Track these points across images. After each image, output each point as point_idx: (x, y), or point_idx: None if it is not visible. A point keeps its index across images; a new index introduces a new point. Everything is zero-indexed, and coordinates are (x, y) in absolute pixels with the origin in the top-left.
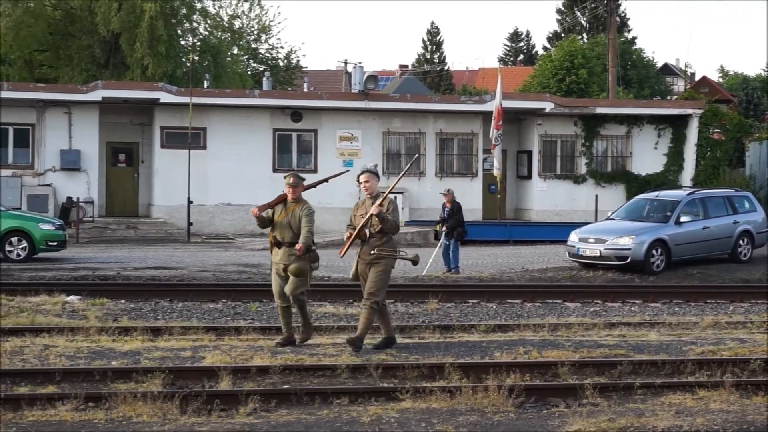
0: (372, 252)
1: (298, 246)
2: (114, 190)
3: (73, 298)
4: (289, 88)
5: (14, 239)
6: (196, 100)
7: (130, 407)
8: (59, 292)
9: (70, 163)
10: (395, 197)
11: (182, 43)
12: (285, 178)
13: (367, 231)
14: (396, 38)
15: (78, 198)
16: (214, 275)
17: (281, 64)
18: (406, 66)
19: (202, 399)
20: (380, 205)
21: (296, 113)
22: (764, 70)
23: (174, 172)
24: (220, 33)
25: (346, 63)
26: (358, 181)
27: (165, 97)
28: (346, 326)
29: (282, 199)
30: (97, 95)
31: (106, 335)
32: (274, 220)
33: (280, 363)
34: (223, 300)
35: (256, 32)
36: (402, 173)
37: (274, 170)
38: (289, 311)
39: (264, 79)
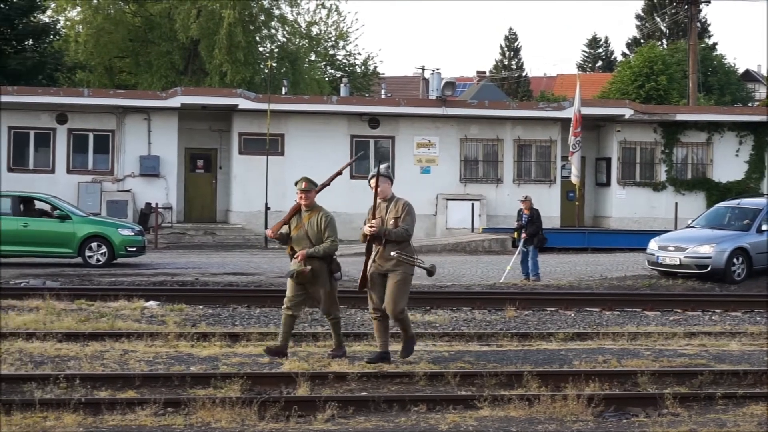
0: (392, 255)
1: (300, 253)
2: (192, 196)
3: (151, 303)
4: (367, 95)
5: (94, 245)
6: (274, 106)
7: (208, 413)
8: (138, 298)
9: (149, 169)
10: (473, 204)
11: (260, 49)
12: (296, 184)
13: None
14: (473, 44)
15: (157, 204)
16: None
17: (359, 70)
18: (484, 72)
19: (280, 405)
20: (374, 221)
21: (374, 119)
22: None
23: (252, 178)
24: (298, 39)
25: (423, 69)
26: (369, 185)
27: (243, 104)
28: (423, 333)
29: (296, 210)
30: (176, 101)
31: (185, 341)
32: (290, 233)
33: (358, 370)
34: None
35: (333, 39)
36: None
37: (351, 177)
38: (292, 320)
39: (341, 85)
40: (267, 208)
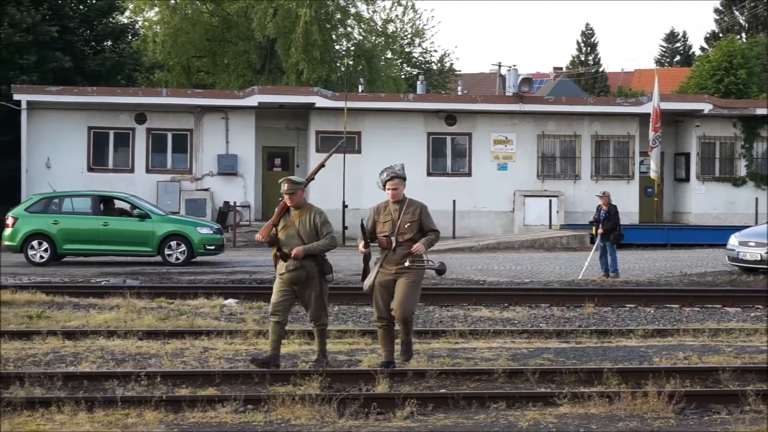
0: (403, 261)
1: (297, 249)
2: (270, 194)
3: (230, 301)
4: (443, 92)
5: (173, 243)
6: (350, 104)
7: (288, 410)
8: (217, 296)
9: (227, 167)
10: (551, 200)
11: (337, 47)
12: (280, 183)
13: (393, 239)
14: (550, 40)
15: (235, 202)
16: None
17: (435, 67)
18: (561, 68)
19: (359, 402)
20: (417, 246)
21: (450, 117)
22: None
23: (329, 176)
24: (374, 37)
25: (499, 66)
26: (383, 186)
27: (320, 102)
28: (502, 330)
29: (283, 210)
30: (253, 100)
31: (264, 338)
32: (278, 234)
33: (437, 367)
34: None
35: (409, 36)
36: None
37: (429, 174)
38: (280, 328)
39: (418, 82)
40: (344, 206)
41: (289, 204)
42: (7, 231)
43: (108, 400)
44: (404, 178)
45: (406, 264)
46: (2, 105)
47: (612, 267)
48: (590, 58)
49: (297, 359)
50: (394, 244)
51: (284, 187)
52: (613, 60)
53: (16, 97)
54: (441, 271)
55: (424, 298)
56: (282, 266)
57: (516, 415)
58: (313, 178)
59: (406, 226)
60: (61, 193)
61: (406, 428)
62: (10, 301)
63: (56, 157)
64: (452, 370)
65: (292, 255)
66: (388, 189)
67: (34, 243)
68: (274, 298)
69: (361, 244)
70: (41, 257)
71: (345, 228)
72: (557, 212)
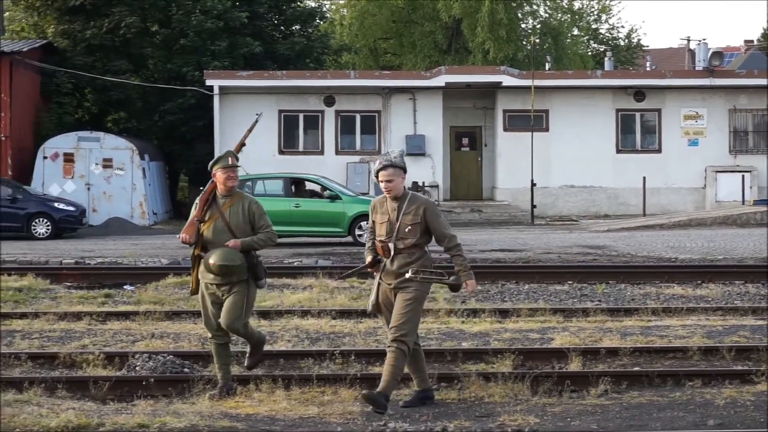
0: (403, 272)
1: (233, 242)
2: (458, 173)
3: None
4: (631, 68)
5: (363, 223)
6: (537, 82)
7: (481, 388)
8: None
9: (415, 148)
10: (743, 175)
11: (522, 26)
12: (219, 161)
13: (391, 245)
14: (740, 12)
15: (423, 182)
16: (559, 257)
17: (622, 43)
18: (751, 41)
19: (552, 380)
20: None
21: (639, 92)
22: None
23: (517, 155)
24: (560, 14)
25: (688, 40)
26: (376, 177)
27: (507, 81)
28: (696, 307)
29: (207, 200)
30: (440, 80)
31: (455, 317)
32: (202, 232)
33: (630, 345)
34: (569, 282)
35: (596, 12)
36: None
37: (617, 151)
38: (225, 350)
39: (605, 59)
40: (533, 185)
41: (228, 185)
42: None
43: (304, 378)
44: (403, 169)
45: (408, 275)
46: (195, 90)
47: None
48: None
49: (489, 337)
50: (392, 252)
51: (227, 161)
52: None
53: (208, 82)
54: (456, 286)
55: (614, 275)
56: (205, 273)
57: (712, 393)
58: (237, 157)
59: (406, 230)
60: (254, 176)
61: (600, 406)
62: None
63: (248, 141)
64: (646, 347)
65: (230, 245)
66: (381, 181)
67: None
68: (204, 316)
69: (369, 257)
70: None
71: (534, 206)
72: (750, 188)
